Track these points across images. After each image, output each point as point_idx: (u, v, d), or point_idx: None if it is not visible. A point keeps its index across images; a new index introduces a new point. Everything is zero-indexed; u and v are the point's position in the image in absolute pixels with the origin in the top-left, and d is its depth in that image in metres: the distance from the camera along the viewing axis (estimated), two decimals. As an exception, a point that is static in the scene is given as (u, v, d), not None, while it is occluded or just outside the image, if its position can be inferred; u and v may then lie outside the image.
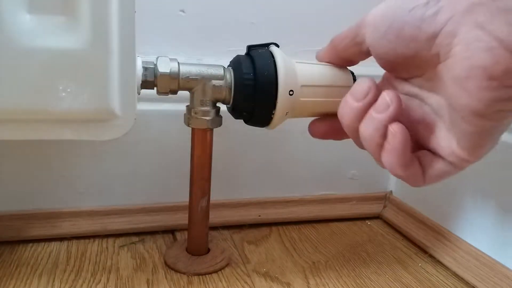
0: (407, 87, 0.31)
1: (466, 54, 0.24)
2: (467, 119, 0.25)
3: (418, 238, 0.52)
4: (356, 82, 0.31)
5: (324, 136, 0.38)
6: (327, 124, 0.37)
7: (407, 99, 0.31)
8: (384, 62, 0.30)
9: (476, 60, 0.23)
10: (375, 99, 0.29)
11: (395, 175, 0.30)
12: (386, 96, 0.28)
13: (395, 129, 0.27)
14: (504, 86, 0.23)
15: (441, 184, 0.50)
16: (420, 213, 0.53)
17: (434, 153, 0.30)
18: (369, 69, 0.35)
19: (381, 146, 0.29)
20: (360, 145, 0.31)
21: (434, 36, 0.25)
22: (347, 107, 0.30)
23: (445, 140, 0.29)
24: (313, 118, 0.38)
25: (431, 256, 0.49)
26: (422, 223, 0.52)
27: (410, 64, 0.28)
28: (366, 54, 0.31)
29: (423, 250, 0.50)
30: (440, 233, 0.49)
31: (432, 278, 0.45)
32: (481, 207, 0.45)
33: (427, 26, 0.25)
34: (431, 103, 0.30)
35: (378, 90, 0.29)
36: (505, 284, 0.41)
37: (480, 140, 0.26)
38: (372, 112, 0.28)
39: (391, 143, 0.28)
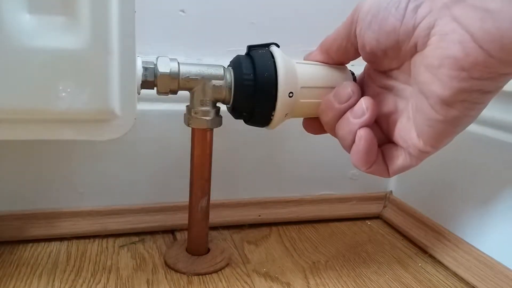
0: (384, 80, 0.33)
1: (441, 44, 0.25)
2: (434, 106, 0.27)
3: (418, 238, 0.52)
4: (340, 85, 0.33)
5: (318, 131, 0.39)
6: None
7: (382, 92, 0.33)
8: (367, 54, 0.31)
9: (449, 51, 0.25)
10: (354, 103, 0.32)
11: (361, 170, 0.33)
12: (363, 104, 0.31)
13: (362, 134, 0.31)
14: (471, 78, 0.25)
15: (441, 184, 0.50)
16: (420, 213, 0.53)
17: (397, 146, 0.32)
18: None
19: (351, 145, 0.32)
20: (336, 136, 0.34)
21: (413, 28, 0.27)
22: (329, 107, 0.33)
23: (405, 130, 0.31)
24: None
25: (431, 256, 0.49)
26: (422, 223, 0.52)
27: (390, 55, 0.30)
28: (356, 51, 0.32)
29: (423, 250, 0.50)
30: (440, 233, 0.49)
31: (432, 278, 0.45)
32: (481, 207, 0.45)
33: (408, 19, 0.27)
34: (403, 95, 0.32)
35: (359, 95, 0.32)
36: (505, 284, 0.41)
37: (441, 130, 0.28)
38: (349, 116, 0.32)
39: (357, 145, 0.31)
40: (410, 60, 0.29)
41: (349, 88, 0.32)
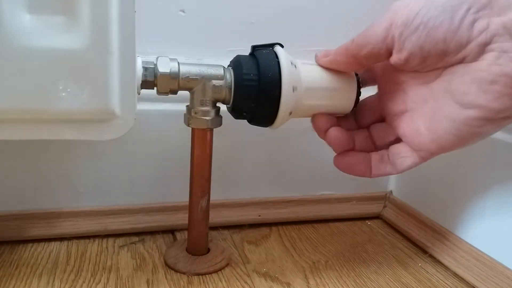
0: (402, 78, 0.33)
1: (499, 61, 0.25)
2: (471, 119, 0.27)
3: (418, 238, 0.52)
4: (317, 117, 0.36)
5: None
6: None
7: (396, 90, 0.33)
8: (401, 58, 0.30)
9: (506, 68, 0.25)
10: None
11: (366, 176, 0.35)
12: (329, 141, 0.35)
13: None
14: None
15: (441, 184, 0.50)
16: (420, 213, 0.53)
17: (405, 146, 0.33)
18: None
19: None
20: None
21: (467, 42, 0.26)
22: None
23: (418, 134, 0.31)
24: None
25: (431, 256, 0.49)
26: (422, 223, 0.52)
27: (426, 61, 0.29)
28: (389, 55, 0.31)
29: (423, 250, 0.50)
30: (440, 233, 0.49)
31: (432, 278, 0.45)
32: (481, 207, 0.45)
33: (463, 32, 0.26)
34: (414, 95, 0.31)
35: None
36: (505, 284, 0.41)
37: (466, 141, 0.28)
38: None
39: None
40: (447, 68, 0.28)
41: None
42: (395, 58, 0.30)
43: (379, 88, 0.36)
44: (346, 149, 0.36)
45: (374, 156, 0.36)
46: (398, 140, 0.35)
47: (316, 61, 0.36)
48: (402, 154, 0.33)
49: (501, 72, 0.25)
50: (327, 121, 0.36)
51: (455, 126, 0.28)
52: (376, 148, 0.37)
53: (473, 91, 0.26)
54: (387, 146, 0.35)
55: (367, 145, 0.37)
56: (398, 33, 0.29)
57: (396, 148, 0.34)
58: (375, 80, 0.37)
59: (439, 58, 0.28)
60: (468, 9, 0.26)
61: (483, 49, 0.26)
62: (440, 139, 0.29)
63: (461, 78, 0.27)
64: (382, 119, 0.36)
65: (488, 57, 0.26)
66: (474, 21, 0.26)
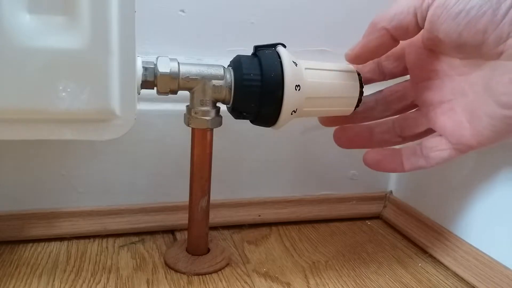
0: (436, 64, 0.31)
1: None
2: (510, 116, 0.26)
3: (418, 238, 0.52)
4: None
5: (334, 124, 0.38)
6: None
7: (432, 77, 0.31)
8: (435, 39, 0.29)
9: None
10: None
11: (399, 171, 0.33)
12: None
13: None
14: None
15: (442, 184, 0.50)
16: (420, 213, 0.53)
17: (440, 138, 0.31)
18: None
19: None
20: None
21: (508, 37, 0.25)
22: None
23: (457, 128, 0.30)
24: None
25: (431, 256, 0.49)
26: (422, 223, 0.52)
27: (462, 48, 0.28)
28: (420, 29, 0.30)
29: (423, 250, 0.50)
30: (440, 233, 0.49)
31: (432, 278, 0.45)
32: (481, 207, 0.45)
33: (505, 26, 0.25)
34: (452, 86, 0.30)
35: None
36: (505, 284, 0.41)
37: (505, 136, 0.27)
38: None
39: None
40: (483, 61, 0.28)
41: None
42: (427, 35, 0.29)
43: (412, 75, 0.35)
44: (360, 144, 0.35)
45: (405, 150, 0.34)
46: (428, 131, 0.34)
47: (346, 58, 0.35)
48: (439, 147, 0.32)
49: None
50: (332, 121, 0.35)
51: (494, 123, 0.27)
52: (404, 139, 0.35)
53: (510, 91, 0.26)
54: (415, 137, 0.34)
55: (390, 137, 0.35)
56: (435, 14, 0.27)
57: (431, 142, 0.33)
58: (404, 71, 0.35)
59: (476, 49, 0.27)
60: None
61: None
62: (480, 134, 0.28)
63: (500, 77, 0.26)
64: (412, 108, 0.35)
65: None
66: None
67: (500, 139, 0.28)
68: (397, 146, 0.36)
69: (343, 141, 0.38)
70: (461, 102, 0.30)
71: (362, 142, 0.36)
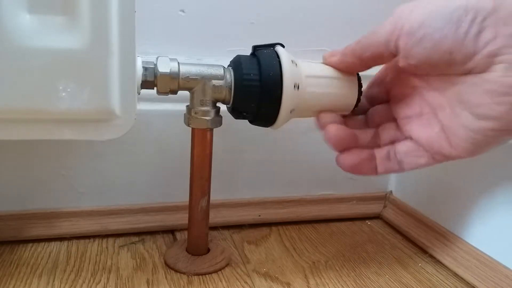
0: (416, 82, 0.32)
1: (509, 73, 0.25)
2: (486, 130, 0.27)
3: (418, 238, 0.52)
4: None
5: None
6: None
7: (410, 94, 0.33)
8: (408, 64, 0.30)
9: None
10: None
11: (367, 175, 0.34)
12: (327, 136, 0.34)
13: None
14: None
15: (441, 184, 0.50)
16: (420, 213, 0.53)
17: (418, 146, 0.32)
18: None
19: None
20: None
21: (473, 54, 0.26)
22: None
23: (435, 139, 0.30)
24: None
25: (431, 256, 0.49)
26: (422, 223, 0.52)
27: (435, 68, 0.29)
28: (394, 56, 0.31)
29: (423, 250, 0.50)
30: (440, 233, 0.49)
31: (432, 278, 0.45)
32: (481, 207, 0.45)
33: (469, 43, 0.26)
34: (431, 100, 0.31)
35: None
36: (505, 284, 0.41)
37: (484, 148, 0.28)
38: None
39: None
40: (457, 76, 0.28)
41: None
42: (403, 63, 0.30)
43: (391, 91, 0.36)
44: (346, 147, 0.35)
45: (379, 153, 0.35)
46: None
47: (324, 61, 0.36)
48: (415, 153, 0.32)
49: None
50: (332, 119, 0.36)
51: (472, 135, 0.28)
52: (381, 146, 0.36)
53: (486, 103, 0.26)
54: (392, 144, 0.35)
55: (373, 144, 0.36)
56: (403, 42, 0.29)
57: (405, 146, 0.33)
58: (386, 96, 0.36)
59: (447, 67, 0.28)
60: (473, 20, 0.25)
61: (491, 60, 0.25)
62: (459, 147, 0.29)
63: (473, 89, 0.27)
64: (393, 120, 0.36)
65: (498, 69, 0.25)
66: (479, 32, 0.25)
67: (479, 151, 0.29)
68: None
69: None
70: (440, 115, 0.30)
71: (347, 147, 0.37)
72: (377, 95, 0.37)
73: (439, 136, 0.30)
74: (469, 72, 0.27)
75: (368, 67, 0.34)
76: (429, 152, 0.31)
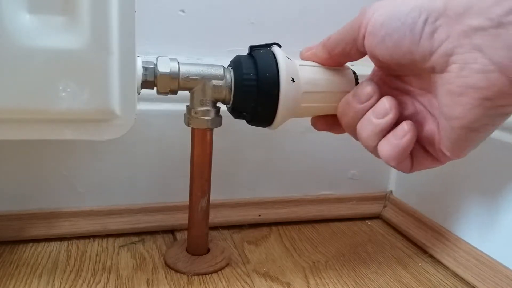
0: (398, 84, 0.32)
1: (462, 73, 0.25)
2: (455, 129, 0.27)
3: (418, 238, 0.52)
4: (359, 85, 0.32)
5: (324, 129, 0.39)
6: (328, 120, 0.38)
7: (398, 95, 0.32)
8: (379, 63, 0.31)
9: (471, 80, 0.24)
10: (375, 103, 0.31)
11: (388, 164, 0.31)
12: (386, 103, 0.30)
13: (407, 128, 0.29)
14: (496, 106, 0.24)
15: (441, 184, 0.50)
16: (420, 213, 0.53)
17: (423, 147, 0.32)
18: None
19: (376, 146, 0.31)
20: (356, 138, 0.33)
21: (430, 53, 0.26)
22: (349, 108, 0.32)
23: (435, 137, 0.30)
24: None
25: (431, 256, 0.49)
26: (422, 223, 0.52)
27: (405, 68, 0.29)
28: (362, 55, 0.32)
29: (423, 250, 0.50)
30: (440, 233, 0.49)
31: (432, 278, 0.45)
32: (481, 207, 0.45)
33: (424, 43, 0.26)
34: (422, 101, 0.31)
35: (379, 94, 0.31)
36: (505, 284, 0.41)
37: (463, 146, 0.28)
38: (371, 116, 0.30)
39: (399, 139, 0.29)
40: (428, 75, 0.28)
41: (368, 87, 0.31)
42: (374, 62, 0.31)
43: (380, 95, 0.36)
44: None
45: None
46: None
47: (300, 56, 0.37)
48: (422, 154, 0.32)
49: (466, 84, 0.25)
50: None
51: (448, 135, 0.28)
52: None
53: (448, 103, 0.26)
54: None
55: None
56: (368, 41, 0.29)
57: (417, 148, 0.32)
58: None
59: (412, 66, 0.28)
60: (426, 20, 0.25)
61: (447, 59, 0.25)
62: (448, 148, 0.29)
63: (440, 89, 0.27)
64: None
65: (453, 69, 0.25)
66: (433, 32, 0.25)
67: (460, 150, 0.28)
68: None
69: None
70: (429, 113, 0.30)
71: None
72: None
73: (436, 135, 0.30)
74: (433, 72, 0.27)
75: (338, 63, 0.35)
76: (433, 153, 0.31)
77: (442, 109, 0.27)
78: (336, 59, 0.34)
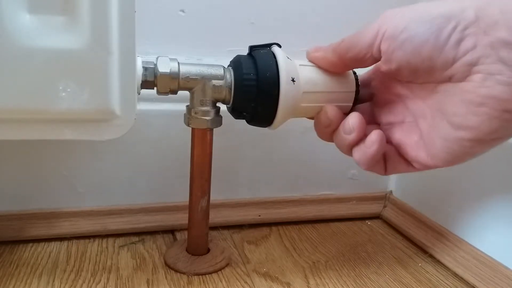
0: (398, 89, 0.33)
1: (486, 83, 0.25)
2: (463, 140, 0.27)
3: (418, 238, 0.52)
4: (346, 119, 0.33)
5: None
6: None
7: (393, 101, 0.33)
8: (393, 69, 0.30)
9: (494, 91, 0.24)
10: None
11: (361, 168, 0.33)
12: (350, 122, 0.32)
13: (374, 139, 0.31)
14: None
15: (441, 184, 0.50)
16: (420, 213, 0.53)
17: (399, 153, 0.33)
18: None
19: (349, 152, 0.33)
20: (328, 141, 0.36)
21: (453, 61, 0.26)
22: (325, 128, 0.35)
23: (414, 147, 0.31)
24: None
25: (431, 256, 0.49)
26: (422, 223, 0.52)
27: (418, 75, 0.29)
28: (375, 60, 0.31)
29: (423, 250, 0.50)
30: (440, 233, 0.49)
31: (432, 278, 0.45)
32: (481, 207, 0.45)
33: (448, 50, 0.26)
34: (413, 108, 0.31)
35: (361, 127, 0.32)
36: (505, 284, 0.41)
37: (461, 158, 0.28)
38: (341, 131, 0.33)
39: (367, 148, 0.31)
40: (438, 84, 0.28)
41: (349, 123, 0.33)
42: (385, 67, 0.30)
43: (376, 99, 0.36)
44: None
45: None
46: None
47: (307, 56, 0.36)
48: (395, 159, 0.33)
49: (488, 95, 0.25)
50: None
51: (448, 145, 0.28)
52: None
53: (462, 113, 0.26)
54: None
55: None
56: (385, 46, 0.29)
57: (388, 151, 0.33)
58: (371, 96, 0.37)
59: (427, 74, 0.28)
60: (455, 27, 0.25)
61: (470, 69, 0.25)
62: (435, 157, 0.29)
63: (451, 98, 0.27)
64: (376, 123, 0.36)
65: (475, 79, 0.25)
66: (460, 40, 0.25)
67: (456, 161, 0.29)
68: None
69: None
70: (421, 124, 0.31)
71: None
72: (362, 97, 0.37)
73: (417, 144, 0.31)
74: (448, 80, 0.27)
75: (348, 68, 0.35)
76: (408, 159, 0.32)
77: (450, 119, 0.27)
78: (347, 63, 0.33)
